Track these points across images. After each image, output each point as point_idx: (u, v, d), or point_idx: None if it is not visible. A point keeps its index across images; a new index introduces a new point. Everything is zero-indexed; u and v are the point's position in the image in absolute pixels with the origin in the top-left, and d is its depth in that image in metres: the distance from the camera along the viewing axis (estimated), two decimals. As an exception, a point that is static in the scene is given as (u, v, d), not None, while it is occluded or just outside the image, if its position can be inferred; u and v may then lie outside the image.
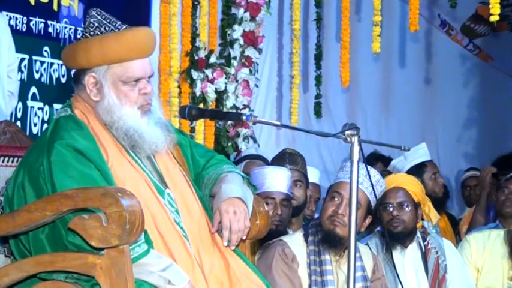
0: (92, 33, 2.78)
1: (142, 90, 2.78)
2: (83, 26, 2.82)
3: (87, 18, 2.81)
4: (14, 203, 2.69)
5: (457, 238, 5.56)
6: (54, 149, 2.65)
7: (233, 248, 2.83)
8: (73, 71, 2.90)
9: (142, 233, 2.59)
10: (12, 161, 2.96)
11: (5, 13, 4.46)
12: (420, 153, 5.19)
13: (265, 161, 5.06)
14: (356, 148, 2.76)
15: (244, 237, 2.86)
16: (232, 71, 5.85)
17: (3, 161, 2.94)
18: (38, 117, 4.63)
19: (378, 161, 5.87)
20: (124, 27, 2.80)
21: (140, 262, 2.58)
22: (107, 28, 2.78)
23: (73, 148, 2.66)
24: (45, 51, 4.77)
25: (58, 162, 2.63)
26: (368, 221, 3.63)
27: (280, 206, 3.96)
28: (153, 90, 2.85)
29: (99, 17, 2.80)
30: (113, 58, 2.75)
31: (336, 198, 3.56)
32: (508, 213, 4.81)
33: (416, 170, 4.99)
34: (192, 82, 5.77)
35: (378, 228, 4.16)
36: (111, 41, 2.75)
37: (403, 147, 3.25)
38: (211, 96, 5.76)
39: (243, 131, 5.87)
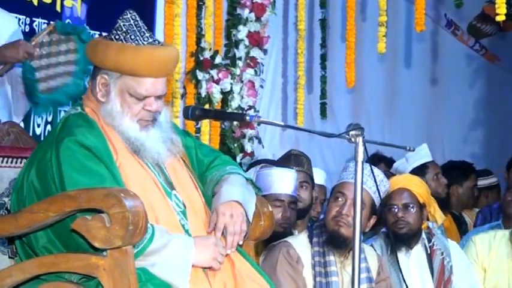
0: (116, 36, 2.76)
1: (146, 107, 2.78)
2: (114, 27, 2.81)
3: (120, 19, 2.79)
4: (24, 200, 2.69)
5: None
6: (63, 144, 2.66)
7: (228, 251, 2.80)
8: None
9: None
10: (16, 162, 2.96)
11: (14, 15, 4.45)
12: (422, 155, 5.17)
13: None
14: (360, 148, 2.74)
15: (240, 242, 2.84)
16: (238, 71, 5.84)
17: (6, 162, 2.95)
18: (42, 118, 4.62)
19: (381, 162, 5.84)
20: (150, 41, 2.76)
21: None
22: (132, 37, 2.75)
23: (82, 145, 2.66)
24: (49, 51, 4.74)
25: (67, 157, 2.64)
26: (373, 221, 3.61)
27: (288, 209, 3.95)
28: (162, 107, 2.82)
29: (131, 22, 2.78)
30: (126, 70, 2.74)
31: (339, 199, 3.54)
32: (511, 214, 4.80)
33: (419, 172, 4.98)
34: (198, 83, 5.75)
35: (383, 230, 4.15)
36: (128, 53, 2.73)
37: (408, 148, 3.23)
38: (217, 97, 5.75)
39: (249, 132, 5.86)
